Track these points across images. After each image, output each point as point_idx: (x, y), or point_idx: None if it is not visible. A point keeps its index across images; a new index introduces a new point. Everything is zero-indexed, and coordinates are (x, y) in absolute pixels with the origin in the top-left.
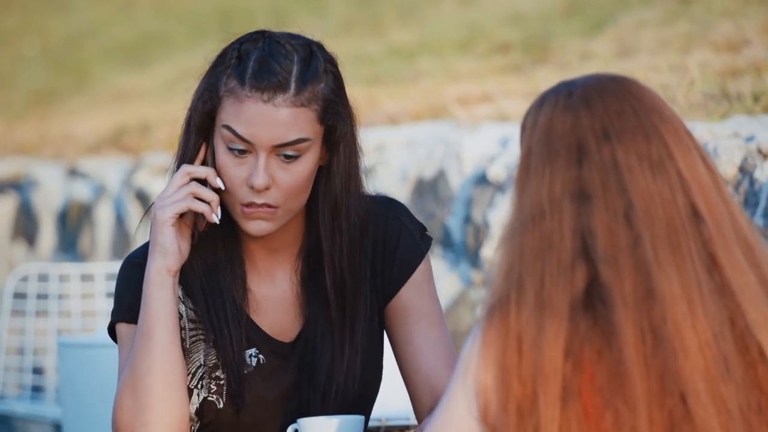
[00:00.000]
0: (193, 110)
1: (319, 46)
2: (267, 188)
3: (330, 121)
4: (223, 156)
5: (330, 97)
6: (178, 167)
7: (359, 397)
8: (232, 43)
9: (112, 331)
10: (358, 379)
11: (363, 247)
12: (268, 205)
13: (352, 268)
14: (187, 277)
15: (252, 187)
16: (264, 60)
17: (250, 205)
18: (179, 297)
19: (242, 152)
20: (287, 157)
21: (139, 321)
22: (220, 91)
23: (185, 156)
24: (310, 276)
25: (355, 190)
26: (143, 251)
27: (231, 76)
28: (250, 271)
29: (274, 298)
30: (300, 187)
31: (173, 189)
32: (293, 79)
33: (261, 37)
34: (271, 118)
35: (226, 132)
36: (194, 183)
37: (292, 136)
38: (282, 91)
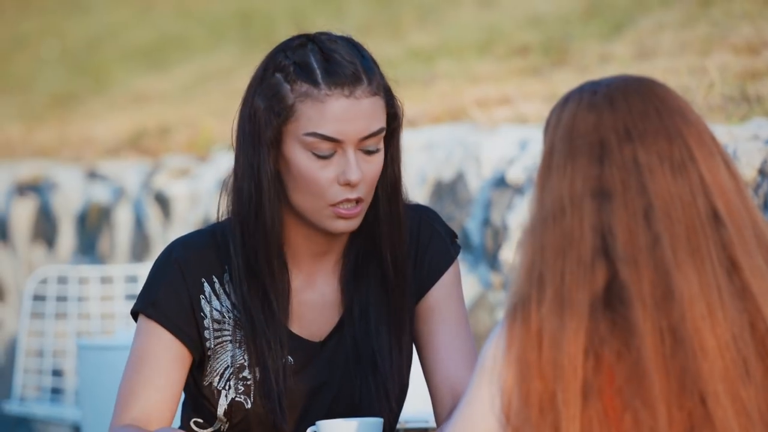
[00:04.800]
0: (263, 125)
1: (353, 40)
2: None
3: (392, 108)
4: (306, 163)
5: (387, 85)
6: (247, 185)
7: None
8: (274, 55)
9: (135, 314)
10: (400, 371)
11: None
12: (358, 200)
13: (404, 253)
14: (229, 281)
15: (348, 184)
16: (328, 57)
17: (338, 204)
18: (205, 296)
19: (328, 156)
20: (368, 152)
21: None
22: (288, 100)
23: (260, 170)
24: (353, 276)
25: (402, 179)
26: (188, 240)
27: (297, 82)
28: (293, 275)
29: (312, 301)
30: (377, 178)
31: None
32: (361, 70)
33: (305, 40)
34: (356, 112)
35: (310, 139)
36: None
37: (375, 126)
38: (359, 83)
